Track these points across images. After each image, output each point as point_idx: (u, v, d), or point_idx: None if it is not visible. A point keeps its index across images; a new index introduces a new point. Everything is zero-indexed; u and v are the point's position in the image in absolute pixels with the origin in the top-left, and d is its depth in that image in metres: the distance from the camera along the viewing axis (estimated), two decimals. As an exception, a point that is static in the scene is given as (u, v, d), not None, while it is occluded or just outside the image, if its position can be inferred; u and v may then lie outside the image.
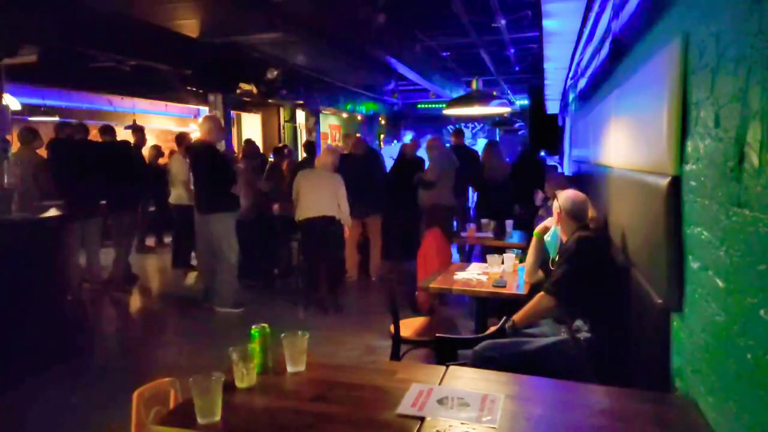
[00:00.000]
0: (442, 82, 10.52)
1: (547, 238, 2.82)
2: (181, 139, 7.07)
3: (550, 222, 2.87)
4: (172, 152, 7.80)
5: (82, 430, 3.02)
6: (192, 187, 6.37)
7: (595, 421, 1.47)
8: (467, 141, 14.71)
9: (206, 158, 5.03)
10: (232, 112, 7.38)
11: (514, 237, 4.84)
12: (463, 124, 15.79)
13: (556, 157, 10.31)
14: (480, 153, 7.11)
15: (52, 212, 4.42)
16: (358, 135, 7.28)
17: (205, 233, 5.14)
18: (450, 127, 16.38)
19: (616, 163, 2.89)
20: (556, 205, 2.72)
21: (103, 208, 5.93)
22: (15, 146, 5.68)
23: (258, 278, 6.09)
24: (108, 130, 6.23)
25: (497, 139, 14.52)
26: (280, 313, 5.10)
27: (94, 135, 6.51)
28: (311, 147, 7.61)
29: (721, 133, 1.30)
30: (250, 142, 7.25)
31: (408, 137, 10.08)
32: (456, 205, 6.38)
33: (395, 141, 10.31)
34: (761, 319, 1.07)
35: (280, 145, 9.61)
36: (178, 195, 6.69)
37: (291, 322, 4.75)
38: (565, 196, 2.71)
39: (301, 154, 8.82)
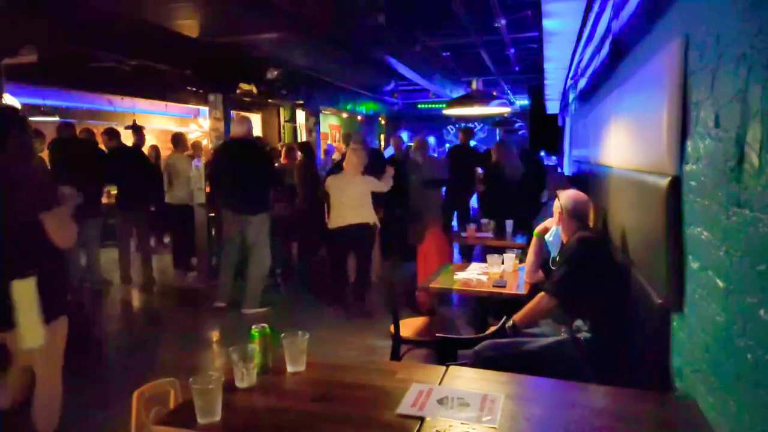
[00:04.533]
0: (442, 82, 10.52)
1: (548, 237, 2.82)
2: (178, 139, 7.07)
3: (550, 222, 2.87)
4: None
5: (83, 430, 3.01)
6: (193, 187, 6.37)
7: (595, 421, 1.47)
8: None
9: (255, 157, 4.99)
10: (232, 112, 7.37)
11: (518, 239, 4.78)
12: (463, 124, 15.81)
13: (554, 157, 10.31)
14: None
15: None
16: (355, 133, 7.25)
17: (239, 234, 5.04)
18: (450, 127, 16.38)
19: (616, 163, 2.89)
20: (557, 205, 2.72)
21: (103, 208, 5.95)
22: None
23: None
24: (114, 134, 6.25)
25: (497, 138, 14.53)
26: (281, 313, 5.10)
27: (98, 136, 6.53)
28: (307, 147, 7.60)
29: (721, 133, 1.30)
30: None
31: (404, 136, 10.09)
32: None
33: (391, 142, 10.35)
34: (761, 319, 1.07)
35: (290, 144, 9.62)
36: (177, 195, 6.69)
37: (291, 322, 4.75)
38: (567, 195, 2.71)
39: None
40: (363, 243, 5.05)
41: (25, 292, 2.24)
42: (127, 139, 6.64)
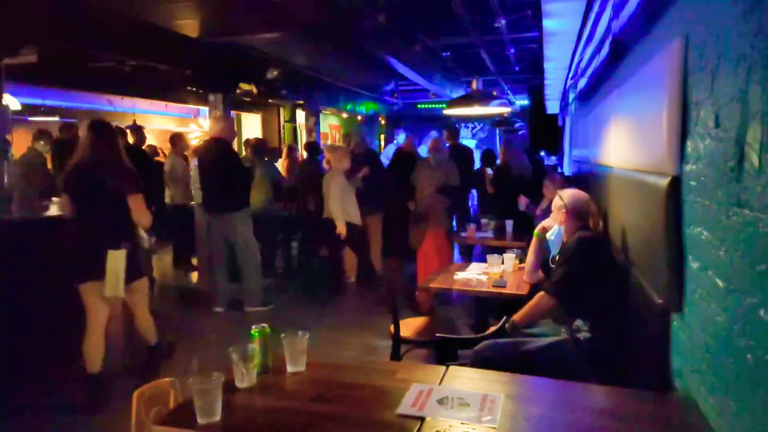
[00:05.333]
0: (442, 82, 10.51)
1: (550, 236, 2.79)
2: (176, 139, 7.07)
3: (549, 222, 2.87)
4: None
5: (83, 430, 3.02)
6: (192, 187, 6.37)
7: (595, 421, 1.47)
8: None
9: (226, 157, 5.01)
10: (232, 112, 7.38)
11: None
12: (463, 124, 15.79)
13: (554, 157, 10.31)
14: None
15: (53, 211, 4.41)
16: (356, 133, 7.25)
17: (221, 234, 5.07)
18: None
19: (616, 163, 2.89)
20: (560, 204, 2.71)
21: None
22: (15, 146, 5.68)
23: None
24: (121, 134, 6.25)
25: (497, 138, 14.54)
26: (281, 313, 5.10)
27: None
28: (312, 147, 7.62)
29: (721, 133, 1.30)
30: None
31: (402, 137, 10.06)
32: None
33: (395, 141, 10.35)
34: (761, 319, 1.07)
35: (283, 145, 9.63)
36: (175, 194, 6.69)
37: (291, 322, 4.75)
38: (570, 194, 2.71)
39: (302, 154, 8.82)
40: (347, 236, 5.31)
41: (117, 259, 3.19)
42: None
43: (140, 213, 3.33)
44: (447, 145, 7.26)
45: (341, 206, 5.24)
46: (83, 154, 3.34)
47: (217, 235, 5.11)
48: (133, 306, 3.54)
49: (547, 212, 3.45)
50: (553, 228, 2.78)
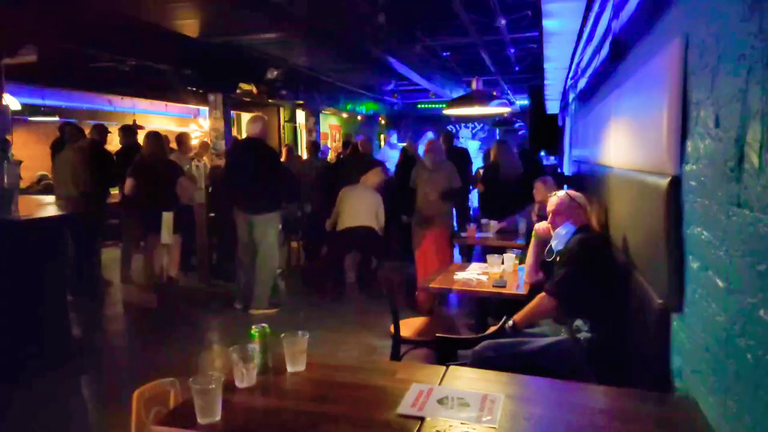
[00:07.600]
0: (442, 82, 10.51)
1: (561, 231, 2.74)
2: (181, 139, 7.07)
3: (540, 225, 2.87)
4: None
5: (83, 430, 3.02)
6: (202, 188, 6.37)
7: (595, 421, 1.47)
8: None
9: (267, 157, 5.02)
10: (232, 112, 7.38)
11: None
12: (463, 124, 15.80)
13: (554, 157, 10.31)
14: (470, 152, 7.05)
15: (52, 211, 4.41)
16: (363, 137, 7.25)
17: (249, 234, 5.04)
18: (451, 127, 16.36)
19: (616, 163, 2.89)
20: (572, 203, 2.67)
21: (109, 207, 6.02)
22: (15, 146, 5.67)
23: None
24: (132, 132, 6.31)
25: (497, 138, 14.54)
26: (282, 313, 5.10)
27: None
28: (314, 147, 7.66)
29: (721, 133, 1.30)
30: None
31: (394, 137, 10.09)
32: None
33: (393, 142, 10.38)
34: (761, 319, 1.07)
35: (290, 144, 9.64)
36: (181, 195, 6.67)
37: (291, 323, 4.75)
38: (576, 193, 2.73)
39: (303, 154, 8.83)
40: (371, 243, 5.42)
41: (168, 218, 5.32)
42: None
43: (185, 191, 5.52)
44: (456, 145, 7.27)
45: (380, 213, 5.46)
46: (145, 152, 5.46)
47: (246, 234, 5.07)
48: (171, 247, 5.63)
49: (542, 215, 3.42)
50: (561, 229, 2.72)
